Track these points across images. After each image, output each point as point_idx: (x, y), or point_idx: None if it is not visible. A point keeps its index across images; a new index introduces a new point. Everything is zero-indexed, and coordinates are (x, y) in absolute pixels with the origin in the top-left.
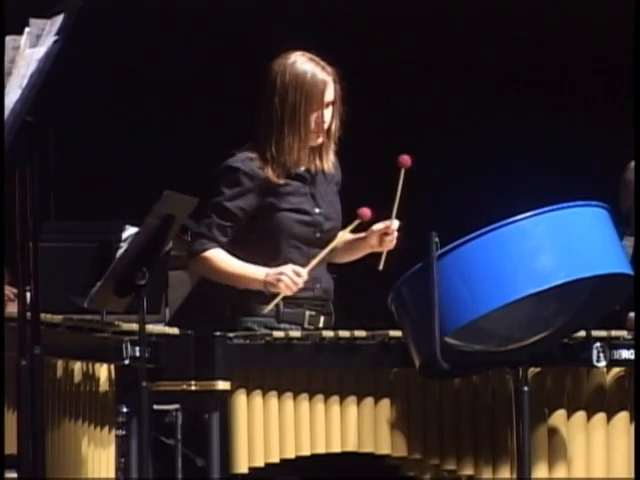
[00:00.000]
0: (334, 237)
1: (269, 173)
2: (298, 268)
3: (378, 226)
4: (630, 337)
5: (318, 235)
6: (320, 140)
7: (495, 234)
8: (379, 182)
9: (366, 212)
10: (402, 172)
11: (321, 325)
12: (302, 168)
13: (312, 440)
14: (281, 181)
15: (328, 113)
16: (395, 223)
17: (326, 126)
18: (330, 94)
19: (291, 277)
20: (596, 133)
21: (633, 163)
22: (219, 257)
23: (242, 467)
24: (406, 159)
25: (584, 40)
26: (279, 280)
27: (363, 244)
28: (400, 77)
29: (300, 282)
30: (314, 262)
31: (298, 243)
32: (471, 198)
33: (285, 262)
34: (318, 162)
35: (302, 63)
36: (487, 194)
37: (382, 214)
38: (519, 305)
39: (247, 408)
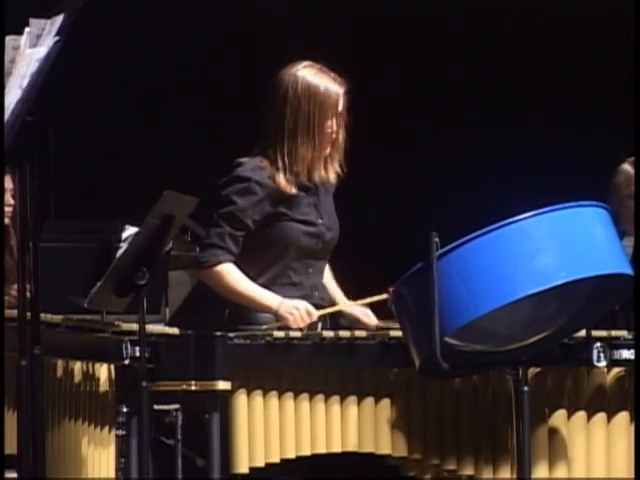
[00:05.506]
0: (331, 248)
1: (281, 182)
2: (311, 309)
3: (363, 314)
4: (630, 337)
5: (320, 246)
6: (328, 150)
7: (495, 234)
8: (378, 183)
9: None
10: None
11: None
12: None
13: (312, 440)
14: (293, 191)
15: (336, 123)
16: (375, 321)
17: (334, 136)
18: (341, 105)
19: (302, 315)
20: (596, 133)
21: (624, 165)
22: (233, 275)
23: (242, 467)
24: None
25: (584, 40)
26: (291, 314)
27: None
28: (400, 77)
29: (309, 321)
30: (328, 310)
31: (302, 254)
32: (471, 198)
33: (284, 271)
34: (323, 172)
35: (313, 75)
36: (487, 194)
37: (382, 216)
38: (519, 305)
39: (247, 408)
